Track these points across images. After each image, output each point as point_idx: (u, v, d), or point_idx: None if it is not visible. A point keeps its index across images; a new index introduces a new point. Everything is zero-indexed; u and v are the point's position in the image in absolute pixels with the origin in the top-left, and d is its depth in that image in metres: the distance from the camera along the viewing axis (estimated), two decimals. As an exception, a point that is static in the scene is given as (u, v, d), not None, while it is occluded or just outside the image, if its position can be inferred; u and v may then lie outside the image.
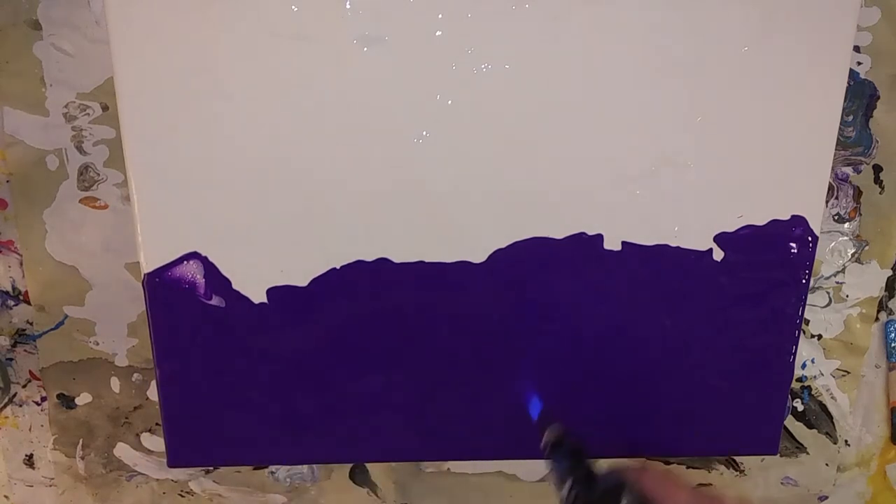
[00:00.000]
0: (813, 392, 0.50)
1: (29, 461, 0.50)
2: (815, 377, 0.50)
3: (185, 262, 0.41)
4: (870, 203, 0.46)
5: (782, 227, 0.42)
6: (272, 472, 0.51)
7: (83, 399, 0.48)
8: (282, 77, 0.38)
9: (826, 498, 0.53)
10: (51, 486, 0.51)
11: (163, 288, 0.41)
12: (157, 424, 0.49)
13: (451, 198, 0.41)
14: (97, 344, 0.47)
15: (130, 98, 0.38)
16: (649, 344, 0.44)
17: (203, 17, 0.37)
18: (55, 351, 0.47)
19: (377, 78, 0.38)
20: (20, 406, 0.49)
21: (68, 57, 0.41)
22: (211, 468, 0.50)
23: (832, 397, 0.50)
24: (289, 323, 0.42)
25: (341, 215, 0.41)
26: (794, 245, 0.42)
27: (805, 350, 0.49)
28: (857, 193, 0.46)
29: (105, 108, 0.42)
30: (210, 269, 0.41)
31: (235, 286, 0.42)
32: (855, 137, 0.44)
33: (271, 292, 0.42)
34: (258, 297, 0.42)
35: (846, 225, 0.46)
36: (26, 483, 0.51)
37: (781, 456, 0.52)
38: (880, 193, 0.46)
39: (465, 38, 0.38)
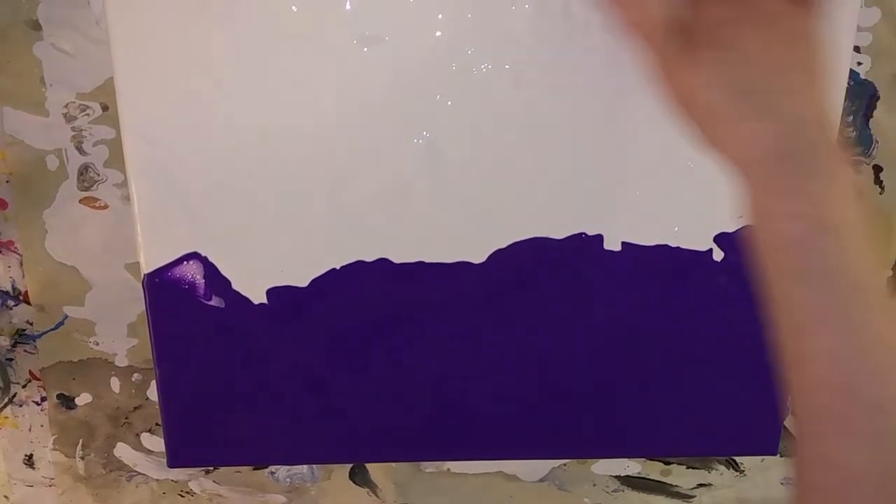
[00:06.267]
0: (813, 392, 0.50)
1: (29, 461, 0.50)
2: (815, 377, 0.50)
3: (185, 262, 0.41)
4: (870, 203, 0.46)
5: (782, 227, 0.42)
6: (272, 472, 0.51)
7: (83, 399, 0.48)
8: (282, 77, 0.38)
9: (826, 498, 0.53)
10: (51, 486, 0.51)
11: (163, 288, 0.41)
12: (157, 424, 0.49)
13: (450, 198, 0.41)
14: (97, 344, 0.47)
15: (130, 98, 0.38)
16: (649, 344, 0.44)
17: (203, 18, 0.37)
18: (55, 351, 0.47)
19: (377, 78, 0.38)
20: (20, 406, 0.49)
21: (68, 57, 0.41)
22: (211, 468, 0.50)
23: (832, 397, 0.50)
24: (289, 323, 0.42)
25: (341, 215, 0.41)
26: (794, 245, 0.42)
27: (805, 350, 0.49)
28: (857, 193, 0.46)
29: (105, 108, 0.42)
30: (210, 269, 0.41)
31: (235, 286, 0.42)
32: (855, 137, 0.44)
33: (271, 292, 0.42)
34: (258, 297, 0.42)
35: (846, 225, 0.46)
36: (26, 483, 0.51)
37: (781, 456, 0.52)
38: (880, 193, 0.46)
39: (465, 38, 0.38)
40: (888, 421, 0.26)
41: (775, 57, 0.29)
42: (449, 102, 0.39)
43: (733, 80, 0.28)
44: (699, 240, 0.42)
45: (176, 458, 0.46)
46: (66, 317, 0.46)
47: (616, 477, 0.53)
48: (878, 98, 0.44)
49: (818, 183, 0.27)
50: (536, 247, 0.42)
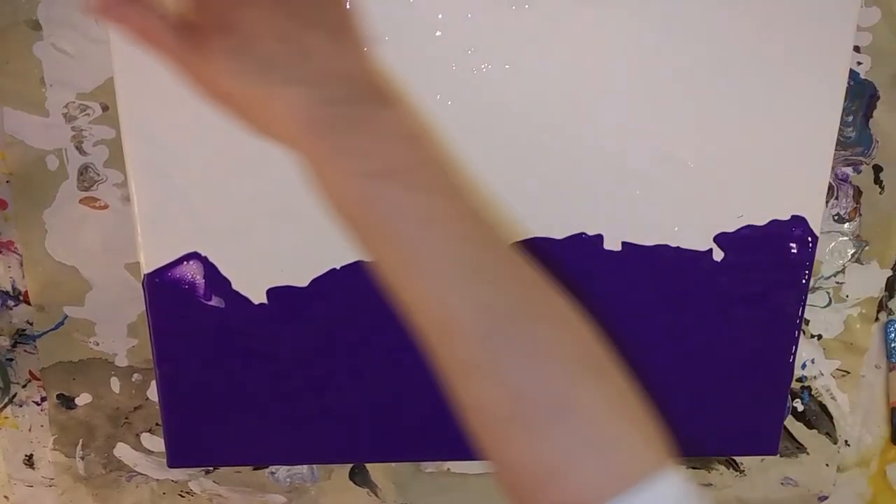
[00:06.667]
0: (813, 392, 0.50)
1: (29, 461, 0.50)
2: (815, 377, 0.50)
3: (185, 262, 0.41)
4: (870, 203, 0.46)
5: (782, 227, 0.42)
6: (272, 472, 0.51)
7: (83, 399, 0.48)
8: (282, 77, 0.38)
9: (826, 498, 0.53)
10: (51, 486, 0.51)
11: (163, 288, 0.41)
12: (157, 424, 0.49)
13: (451, 198, 0.41)
14: (97, 344, 0.47)
15: (130, 98, 0.38)
16: (649, 344, 0.44)
17: (203, 17, 0.37)
18: (55, 351, 0.47)
19: (377, 78, 0.38)
20: (20, 406, 0.49)
21: (68, 57, 0.41)
22: (211, 468, 0.50)
23: (832, 397, 0.50)
24: (289, 323, 0.42)
25: (341, 215, 0.41)
26: (794, 245, 0.42)
27: (805, 350, 0.49)
28: (857, 193, 0.46)
29: (105, 108, 0.42)
30: (210, 269, 0.41)
31: (235, 286, 0.42)
32: (855, 137, 0.44)
33: (271, 292, 0.42)
34: (258, 297, 0.42)
35: (846, 225, 0.46)
36: (26, 483, 0.51)
37: (781, 456, 0.52)
38: (880, 193, 0.46)
39: (465, 38, 0.38)
40: (501, 355, 0.26)
41: (284, 24, 0.27)
42: (449, 102, 0.39)
43: (248, 60, 0.27)
44: (699, 240, 0.42)
45: (176, 458, 0.46)
46: (66, 317, 0.46)
47: (616, 477, 0.53)
48: (878, 98, 0.44)
49: (363, 136, 0.27)
50: (536, 247, 0.42)
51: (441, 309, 0.27)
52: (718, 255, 0.42)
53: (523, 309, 0.27)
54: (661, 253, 0.42)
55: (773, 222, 0.42)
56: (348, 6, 0.29)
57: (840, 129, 0.42)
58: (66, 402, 0.48)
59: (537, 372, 0.26)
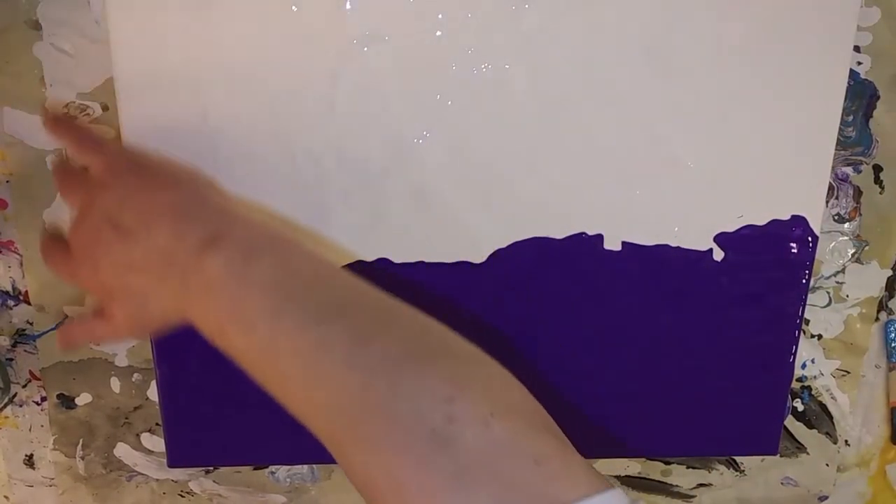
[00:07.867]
0: (813, 392, 0.50)
1: (29, 461, 0.50)
2: (815, 377, 0.50)
3: (185, 262, 0.41)
4: (870, 203, 0.46)
5: (782, 227, 0.42)
6: (272, 472, 0.51)
7: (83, 399, 0.48)
8: (282, 77, 0.38)
9: (826, 498, 0.53)
10: (51, 486, 0.51)
11: (163, 288, 0.41)
12: (157, 424, 0.49)
13: (451, 198, 0.41)
14: (97, 344, 0.47)
15: (130, 98, 0.38)
16: (649, 344, 0.44)
17: (203, 18, 0.37)
18: (55, 351, 0.47)
19: (377, 78, 0.38)
20: (20, 406, 0.49)
21: (68, 57, 0.41)
22: (211, 468, 0.50)
23: (832, 397, 0.50)
24: (289, 323, 0.42)
25: (341, 215, 0.41)
26: (794, 245, 0.42)
27: (805, 350, 0.49)
28: (857, 193, 0.46)
29: (105, 108, 0.42)
30: (210, 269, 0.41)
31: (235, 286, 0.42)
32: (855, 137, 0.44)
33: (271, 292, 0.42)
34: (258, 297, 0.42)
35: (846, 225, 0.46)
36: (26, 483, 0.51)
37: (781, 456, 0.52)
38: (880, 193, 0.46)
39: (465, 38, 0.38)
40: (342, 448, 0.29)
41: (123, 257, 0.32)
42: (449, 102, 0.39)
43: (138, 307, 0.33)
44: (699, 240, 0.42)
45: (176, 458, 0.46)
46: (66, 317, 0.46)
47: (616, 477, 0.53)
48: (878, 98, 0.44)
49: (195, 305, 0.32)
50: (536, 247, 0.42)
51: (286, 402, 0.31)
52: (718, 255, 0.42)
53: (350, 404, 0.28)
54: (661, 253, 0.42)
55: (773, 222, 0.42)
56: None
57: (840, 129, 0.42)
58: (66, 401, 0.48)
59: (372, 463, 0.28)
